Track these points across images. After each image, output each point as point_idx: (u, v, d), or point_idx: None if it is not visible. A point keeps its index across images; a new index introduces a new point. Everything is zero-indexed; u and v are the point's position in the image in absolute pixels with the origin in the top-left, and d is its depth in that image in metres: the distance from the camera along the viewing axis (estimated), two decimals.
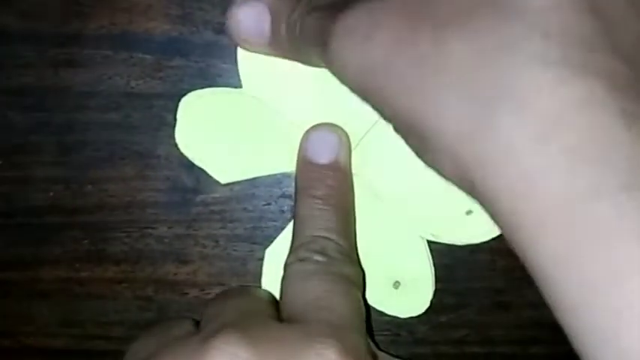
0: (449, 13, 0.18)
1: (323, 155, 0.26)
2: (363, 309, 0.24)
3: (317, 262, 0.24)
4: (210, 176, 0.28)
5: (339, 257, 0.25)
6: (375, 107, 0.21)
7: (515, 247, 0.18)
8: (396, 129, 0.20)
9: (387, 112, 0.20)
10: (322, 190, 0.26)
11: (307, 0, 0.23)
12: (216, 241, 0.29)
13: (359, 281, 0.26)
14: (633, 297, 0.15)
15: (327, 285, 0.24)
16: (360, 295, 0.25)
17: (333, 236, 0.25)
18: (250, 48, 0.26)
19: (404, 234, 0.28)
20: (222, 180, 0.28)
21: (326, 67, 0.22)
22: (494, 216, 0.18)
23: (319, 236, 0.25)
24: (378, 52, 0.19)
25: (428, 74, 0.18)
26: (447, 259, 0.28)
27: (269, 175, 0.28)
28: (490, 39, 0.17)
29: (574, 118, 0.16)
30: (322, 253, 0.25)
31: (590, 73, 0.16)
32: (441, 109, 0.18)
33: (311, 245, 0.25)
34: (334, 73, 0.22)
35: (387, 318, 0.29)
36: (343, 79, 0.21)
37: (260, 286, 0.28)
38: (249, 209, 0.29)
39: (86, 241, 0.29)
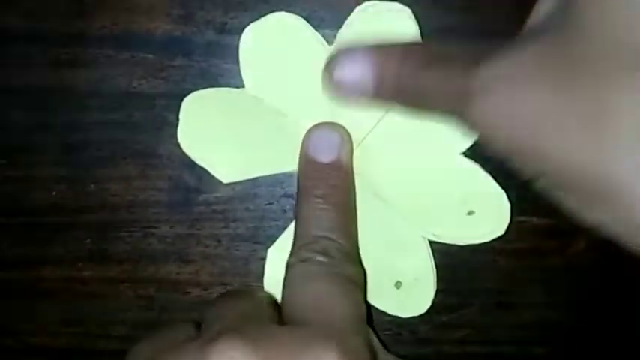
0: (605, 67, 0.17)
1: (325, 154, 0.26)
2: (365, 309, 0.24)
3: (319, 262, 0.24)
4: (213, 176, 0.28)
5: (341, 257, 0.25)
6: (522, 164, 0.20)
7: None
8: (548, 184, 0.19)
9: (541, 168, 0.19)
10: (324, 189, 0.26)
11: (418, 52, 0.22)
12: (219, 241, 0.29)
13: (361, 281, 0.26)
14: None
15: (329, 286, 0.24)
16: (361, 295, 0.25)
17: (335, 236, 0.25)
18: (353, 103, 0.24)
19: (406, 234, 0.28)
20: (224, 180, 0.28)
21: (461, 124, 0.21)
22: None
23: (321, 236, 0.25)
24: (531, 110, 0.18)
25: (598, 131, 0.17)
26: (448, 259, 0.28)
27: (271, 175, 0.28)
28: None
29: None
30: (324, 253, 0.24)
31: None
32: (618, 166, 0.17)
33: (313, 245, 0.25)
34: (473, 131, 0.20)
35: (388, 317, 0.29)
36: (487, 140, 0.20)
37: (262, 286, 0.28)
38: (251, 209, 0.29)
39: (89, 241, 0.29)
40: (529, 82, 0.18)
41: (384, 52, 0.23)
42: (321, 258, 0.24)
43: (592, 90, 0.17)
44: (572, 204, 0.19)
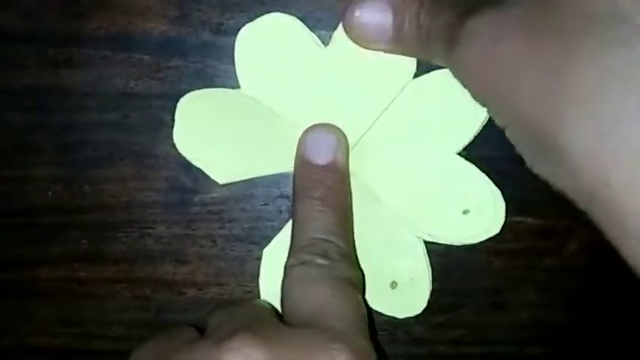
0: (576, 26, 0.18)
1: (321, 156, 0.26)
2: (365, 311, 0.25)
3: (319, 265, 0.24)
4: (208, 176, 0.28)
5: (340, 260, 0.25)
6: (493, 111, 0.21)
7: (625, 252, 0.18)
8: (512, 135, 0.21)
9: (507, 118, 0.21)
10: (321, 191, 0.26)
11: (431, 1, 0.23)
12: (214, 241, 0.29)
13: (359, 283, 0.26)
14: None
15: (331, 290, 0.24)
16: (361, 297, 0.25)
17: (333, 238, 0.25)
18: (369, 46, 0.26)
19: (401, 234, 0.28)
20: (221, 180, 0.28)
21: (448, 67, 0.23)
22: (616, 232, 0.18)
23: (320, 238, 0.25)
24: (505, 58, 0.20)
25: (557, 87, 0.18)
26: (443, 259, 0.28)
27: (267, 176, 0.28)
28: (619, 54, 0.17)
29: None
30: (324, 255, 0.25)
31: None
32: (569, 123, 0.18)
33: (312, 248, 0.25)
34: (457, 75, 0.22)
35: (384, 318, 0.29)
36: (467, 82, 0.22)
37: (257, 286, 0.28)
38: (247, 209, 0.29)
39: (85, 241, 0.29)
40: (506, 35, 0.20)
41: None
42: (320, 261, 0.24)
43: (558, 46, 0.18)
44: (528, 156, 0.20)
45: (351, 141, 0.27)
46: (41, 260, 0.29)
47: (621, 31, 0.17)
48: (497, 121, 0.21)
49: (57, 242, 0.29)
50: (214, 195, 0.29)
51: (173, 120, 0.27)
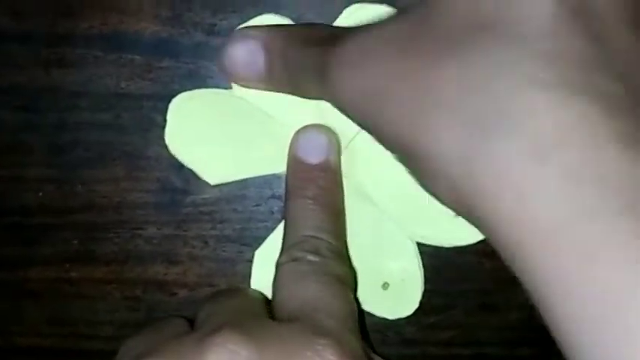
0: (442, 39, 0.18)
1: (313, 155, 0.26)
2: (355, 309, 0.25)
3: (310, 262, 0.24)
4: (200, 177, 0.28)
5: (331, 257, 0.25)
6: (374, 134, 0.21)
7: (514, 270, 0.18)
8: (396, 155, 0.21)
9: (384, 138, 0.21)
10: (313, 190, 0.26)
11: (300, 35, 0.24)
12: (206, 242, 0.29)
13: (351, 281, 0.26)
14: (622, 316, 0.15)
15: (321, 286, 0.24)
16: (352, 295, 0.25)
17: (324, 235, 0.25)
18: (245, 84, 0.26)
19: (393, 236, 0.28)
20: (212, 181, 0.28)
21: (324, 98, 0.23)
22: (493, 241, 0.18)
23: (311, 236, 0.25)
24: (372, 81, 0.20)
25: (424, 100, 0.18)
26: (435, 260, 0.29)
27: (259, 176, 0.28)
28: (485, 63, 0.17)
29: (570, 139, 0.16)
30: (315, 252, 0.25)
31: (585, 94, 0.16)
32: (438, 134, 0.18)
33: (303, 245, 0.25)
34: (333, 103, 0.22)
35: (375, 319, 0.29)
36: (342, 108, 0.22)
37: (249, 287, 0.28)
38: (239, 210, 0.29)
39: (76, 242, 0.29)
40: (374, 56, 0.20)
41: (271, 30, 0.25)
42: (311, 257, 0.24)
43: (421, 61, 0.18)
44: (413, 174, 0.20)
45: (342, 142, 0.27)
46: (32, 260, 0.29)
47: (487, 41, 0.18)
48: (383, 146, 0.21)
49: (48, 242, 0.29)
50: (206, 196, 0.29)
51: (165, 121, 0.27)
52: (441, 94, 0.18)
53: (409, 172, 0.21)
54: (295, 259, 0.25)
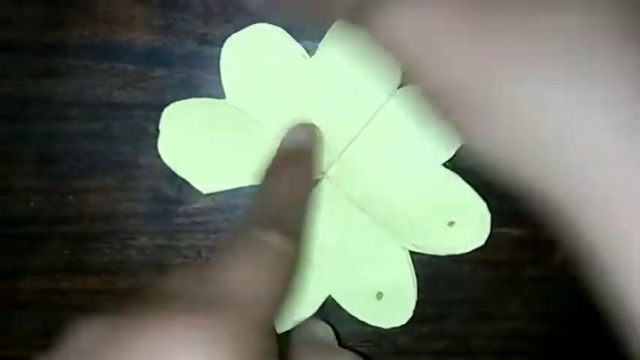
0: None
1: (294, 143, 0.26)
2: (286, 289, 0.23)
3: (257, 233, 0.23)
4: (193, 187, 0.28)
5: (281, 235, 0.23)
6: (418, 77, 0.20)
7: (573, 239, 0.17)
8: (439, 101, 0.20)
9: (439, 83, 0.19)
10: (286, 173, 0.25)
11: None
12: (199, 252, 0.29)
13: (294, 262, 0.24)
14: None
15: (254, 255, 0.22)
16: (289, 277, 0.23)
17: (285, 214, 0.24)
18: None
19: (386, 245, 0.28)
20: (205, 190, 0.28)
21: (362, 30, 0.20)
22: (547, 202, 0.18)
23: (271, 213, 0.24)
24: (439, 22, 0.18)
25: (492, 49, 0.17)
26: (428, 269, 0.29)
27: (251, 186, 0.28)
28: (580, 14, 0.17)
29: None
30: (266, 227, 0.23)
31: None
32: (508, 88, 0.17)
33: (260, 218, 0.24)
34: (378, 42, 0.20)
35: (369, 329, 0.29)
36: (393, 44, 0.20)
37: None
38: (232, 220, 0.29)
39: (67, 252, 0.29)
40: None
41: None
42: (260, 231, 0.23)
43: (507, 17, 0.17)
44: (461, 123, 0.19)
45: (335, 151, 0.27)
46: (22, 271, 0.29)
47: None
48: (425, 90, 0.20)
49: (38, 253, 0.29)
50: (198, 205, 0.29)
51: (157, 130, 0.27)
52: (513, 50, 0.17)
53: (456, 124, 0.19)
54: (244, 231, 0.23)
